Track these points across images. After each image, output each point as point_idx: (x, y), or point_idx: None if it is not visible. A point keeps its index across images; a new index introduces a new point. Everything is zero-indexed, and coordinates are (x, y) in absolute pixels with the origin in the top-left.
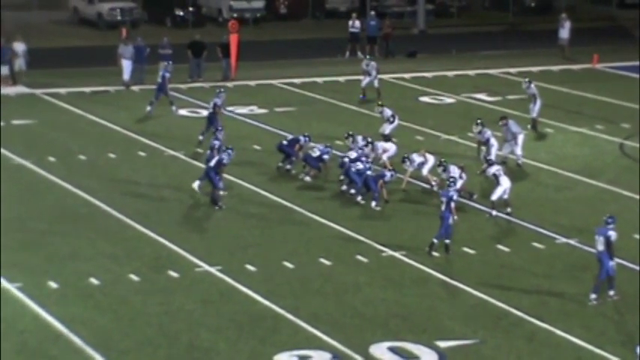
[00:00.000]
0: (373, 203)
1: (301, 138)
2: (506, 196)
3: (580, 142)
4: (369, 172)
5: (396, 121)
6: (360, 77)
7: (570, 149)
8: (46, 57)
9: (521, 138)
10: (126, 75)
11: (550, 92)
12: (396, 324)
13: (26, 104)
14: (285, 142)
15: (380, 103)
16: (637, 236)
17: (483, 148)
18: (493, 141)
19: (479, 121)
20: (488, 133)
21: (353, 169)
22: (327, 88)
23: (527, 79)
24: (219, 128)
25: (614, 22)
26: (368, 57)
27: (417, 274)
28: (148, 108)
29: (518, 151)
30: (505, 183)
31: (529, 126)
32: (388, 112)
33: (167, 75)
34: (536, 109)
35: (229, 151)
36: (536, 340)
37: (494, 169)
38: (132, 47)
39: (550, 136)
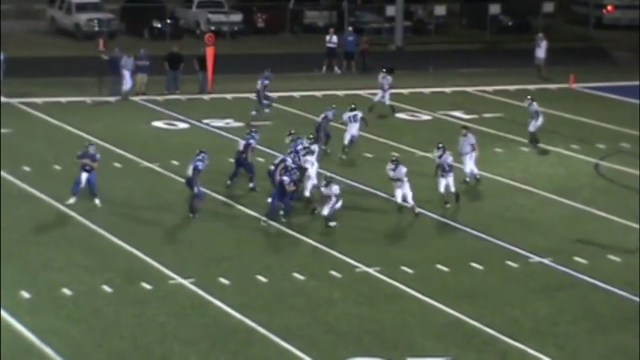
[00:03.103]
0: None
1: (251, 141)
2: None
3: (555, 161)
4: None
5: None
6: (336, 92)
7: (546, 169)
8: (23, 66)
9: (474, 154)
10: (126, 86)
11: (526, 111)
12: (368, 340)
13: (2, 113)
14: (244, 156)
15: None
16: (611, 257)
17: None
18: (450, 161)
19: (440, 145)
20: (450, 158)
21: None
22: (303, 103)
23: (529, 97)
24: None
25: (591, 43)
26: (384, 70)
27: (390, 290)
28: (253, 112)
29: (473, 167)
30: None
31: (528, 141)
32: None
33: (266, 82)
34: (537, 125)
35: (203, 154)
36: (509, 359)
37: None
38: (133, 59)
39: (525, 156)
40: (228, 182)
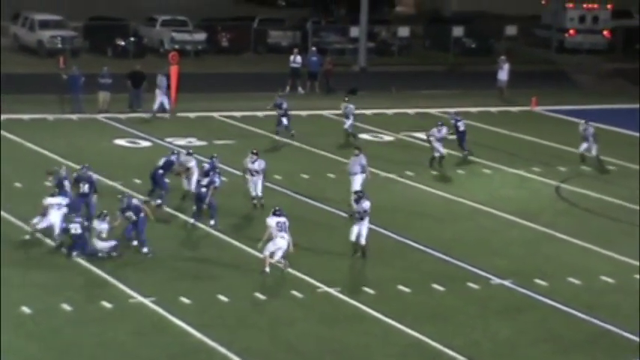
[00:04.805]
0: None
1: (172, 157)
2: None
3: (517, 184)
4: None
5: None
6: (300, 113)
7: (507, 191)
8: None
9: (361, 177)
10: (159, 105)
11: (488, 133)
12: None
13: None
14: (160, 172)
15: None
16: (571, 279)
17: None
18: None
19: (360, 194)
20: (366, 204)
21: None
22: (267, 122)
23: (584, 121)
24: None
25: (553, 66)
26: (346, 99)
27: (351, 310)
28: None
29: (357, 187)
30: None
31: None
32: None
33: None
34: (593, 148)
35: (84, 168)
36: None
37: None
38: (166, 78)
39: (487, 178)
40: (147, 198)
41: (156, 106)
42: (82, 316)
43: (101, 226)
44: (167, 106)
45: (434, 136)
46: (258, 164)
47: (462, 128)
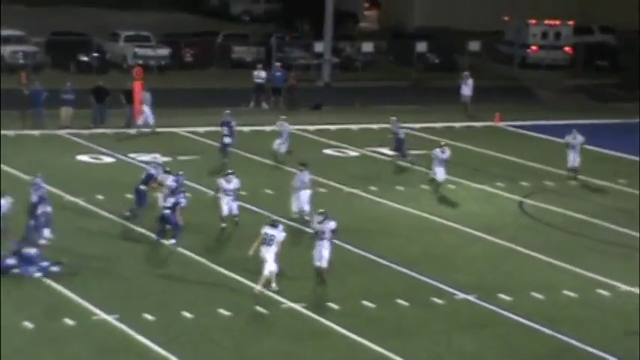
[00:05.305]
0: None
1: (151, 170)
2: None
3: (482, 199)
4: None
5: None
6: (264, 128)
7: (471, 206)
8: None
9: (306, 193)
10: (150, 120)
11: (452, 149)
12: None
13: None
14: (141, 187)
15: None
16: (534, 294)
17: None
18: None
19: (322, 210)
20: (331, 224)
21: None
22: None
23: (574, 130)
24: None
25: (515, 82)
26: (283, 117)
27: (316, 326)
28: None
29: (306, 206)
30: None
31: (574, 175)
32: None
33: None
34: (577, 159)
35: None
36: None
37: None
38: (150, 94)
39: (452, 193)
40: (127, 214)
41: (150, 120)
42: (44, 333)
43: (32, 250)
44: (151, 121)
45: (437, 157)
46: (234, 184)
47: (401, 136)
